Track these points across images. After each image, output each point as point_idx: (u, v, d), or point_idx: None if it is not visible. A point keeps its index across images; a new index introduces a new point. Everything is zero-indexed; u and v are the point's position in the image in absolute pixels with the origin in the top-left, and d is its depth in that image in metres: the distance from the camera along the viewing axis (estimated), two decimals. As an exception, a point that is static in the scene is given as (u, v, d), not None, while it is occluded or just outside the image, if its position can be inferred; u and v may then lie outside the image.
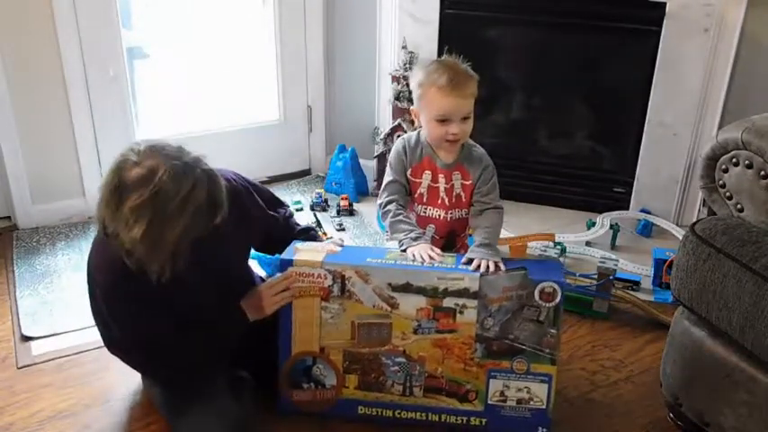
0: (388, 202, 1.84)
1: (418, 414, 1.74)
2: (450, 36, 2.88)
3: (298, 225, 1.96)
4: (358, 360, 1.72)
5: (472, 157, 1.87)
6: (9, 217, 2.76)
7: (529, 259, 1.94)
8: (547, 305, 1.65)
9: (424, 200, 1.88)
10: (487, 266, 1.66)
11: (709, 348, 1.58)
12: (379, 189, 1.95)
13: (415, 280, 1.67)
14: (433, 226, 1.89)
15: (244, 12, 3.05)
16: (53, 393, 1.87)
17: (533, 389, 1.70)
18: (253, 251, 1.96)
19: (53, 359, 2.00)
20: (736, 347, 1.51)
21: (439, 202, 1.87)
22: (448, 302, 1.66)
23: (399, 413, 1.75)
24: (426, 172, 1.86)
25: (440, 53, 2.88)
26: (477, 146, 1.92)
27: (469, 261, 1.70)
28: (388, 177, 1.88)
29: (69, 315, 2.16)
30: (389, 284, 1.67)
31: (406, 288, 1.67)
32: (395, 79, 2.87)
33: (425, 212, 1.89)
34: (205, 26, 2.99)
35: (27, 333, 2.10)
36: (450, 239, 1.93)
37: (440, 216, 1.88)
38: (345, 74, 3.21)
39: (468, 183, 1.86)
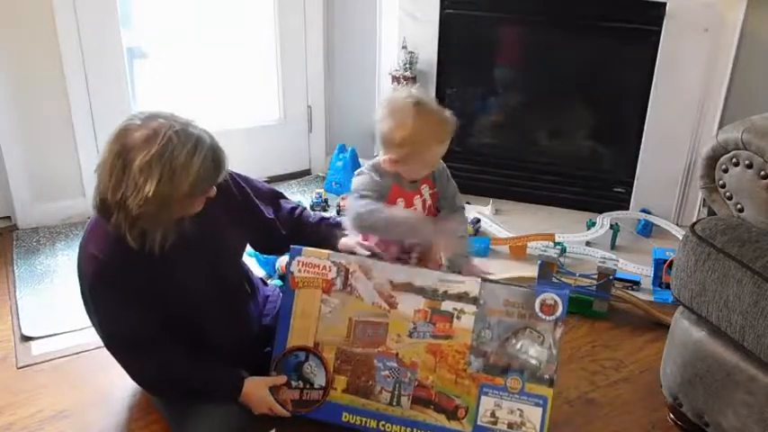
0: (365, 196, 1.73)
1: (403, 429, 1.66)
2: (451, 36, 2.89)
3: (310, 218, 1.91)
4: (350, 360, 1.69)
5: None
6: (9, 217, 2.76)
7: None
8: (547, 318, 1.62)
9: None
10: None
11: (709, 348, 1.58)
12: None
13: (417, 280, 1.67)
14: (379, 251, 1.85)
15: (243, 12, 3.05)
16: (53, 393, 1.87)
17: (527, 412, 1.62)
18: (252, 250, 1.96)
19: (53, 359, 2.00)
20: (736, 347, 1.51)
21: None
22: (446, 306, 1.66)
23: (384, 425, 1.66)
24: (400, 200, 1.80)
25: (440, 53, 2.90)
26: None
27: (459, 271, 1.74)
28: (363, 193, 1.73)
29: (69, 315, 2.15)
30: (391, 282, 1.68)
31: (407, 287, 1.68)
32: (395, 79, 2.87)
33: None
34: (205, 26, 2.99)
35: (27, 333, 2.10)
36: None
37: None
38: (345, 74, 3.21)
39: (434, 191, 1.85)
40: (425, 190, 1.84)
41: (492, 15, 2.88)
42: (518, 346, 1.63)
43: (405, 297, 1.68)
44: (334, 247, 1.78)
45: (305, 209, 1.94)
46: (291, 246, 1.73)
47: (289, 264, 1.72)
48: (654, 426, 1.80)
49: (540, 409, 1.62)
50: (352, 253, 1.75)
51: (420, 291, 1.67)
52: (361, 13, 3.07)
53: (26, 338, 2.08)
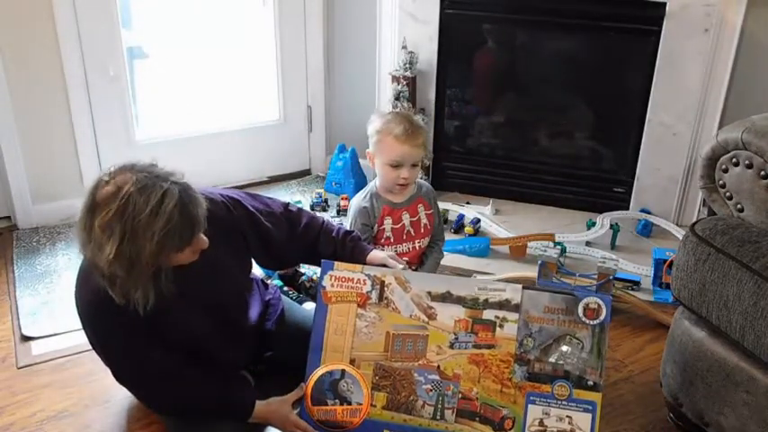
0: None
1: None
2: (451, 36, 2.88)
3: (333, 232, 1.84)
4: (389, 375, 1.62)
5: (426, 189, 2.11)
6: (9, 217, 2.76)
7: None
8: (591, 322, 1.58)
9: (392, 241, 2.04)
10: None
11: (709, 348, 1.58)
12: None
13: (456, 289, 1.63)
14: (407, 259, 2.01)
15: (244, 12, 3.05)
16: (53, 393, 1.88)
17: (576, 419, 1.56)
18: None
19: (53, 359, 2.00)
20: (736, 347, 1.51)
21: (405, 237, 2.05)
22: (488, 314, 1.61)
23: None
24: (387, 218, 2.02)
25: (440, 53, 2.89)
26: (420, 180, 2.12)
27: None
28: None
29: (69, 315, 2.13)
30: (429, 293, 1.63)
31: (446, 297, 1.63)
32: (395, 79, 2.87)
33: (396, 251, 2.03)
34: (205, 26, 2.99)
35: (27, 333, 2.10)
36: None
37: (410, 249, 2.07)
38: (345, 74, 3.21)
39: (430, 212, 2.09)
40: (421, 209, 2.07)
41: (492, 15, 2.88)
42: (559, 353, 1.59)
43: (444, 307, 1.62)
44: (362, 262, 1.74)
45: (325, 222, 1.87)
46: (323, 260, 1.67)
47: (320, 279, 1.66)
48: (654, 426, 1.80)
49: (589, 415, 1.56)
50: (384, 266, 1.72)
51: (459, 300, 1.62)
52: (361, 13, 3.07)
53: (26, 338, 2.09)
